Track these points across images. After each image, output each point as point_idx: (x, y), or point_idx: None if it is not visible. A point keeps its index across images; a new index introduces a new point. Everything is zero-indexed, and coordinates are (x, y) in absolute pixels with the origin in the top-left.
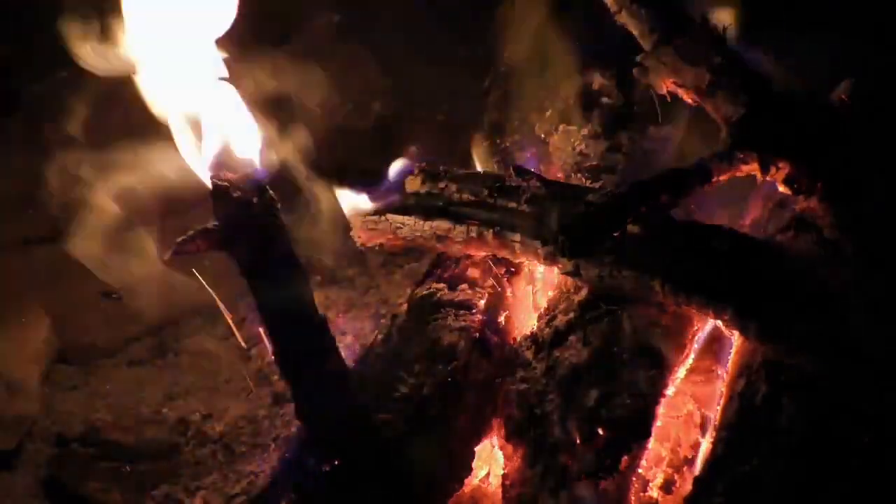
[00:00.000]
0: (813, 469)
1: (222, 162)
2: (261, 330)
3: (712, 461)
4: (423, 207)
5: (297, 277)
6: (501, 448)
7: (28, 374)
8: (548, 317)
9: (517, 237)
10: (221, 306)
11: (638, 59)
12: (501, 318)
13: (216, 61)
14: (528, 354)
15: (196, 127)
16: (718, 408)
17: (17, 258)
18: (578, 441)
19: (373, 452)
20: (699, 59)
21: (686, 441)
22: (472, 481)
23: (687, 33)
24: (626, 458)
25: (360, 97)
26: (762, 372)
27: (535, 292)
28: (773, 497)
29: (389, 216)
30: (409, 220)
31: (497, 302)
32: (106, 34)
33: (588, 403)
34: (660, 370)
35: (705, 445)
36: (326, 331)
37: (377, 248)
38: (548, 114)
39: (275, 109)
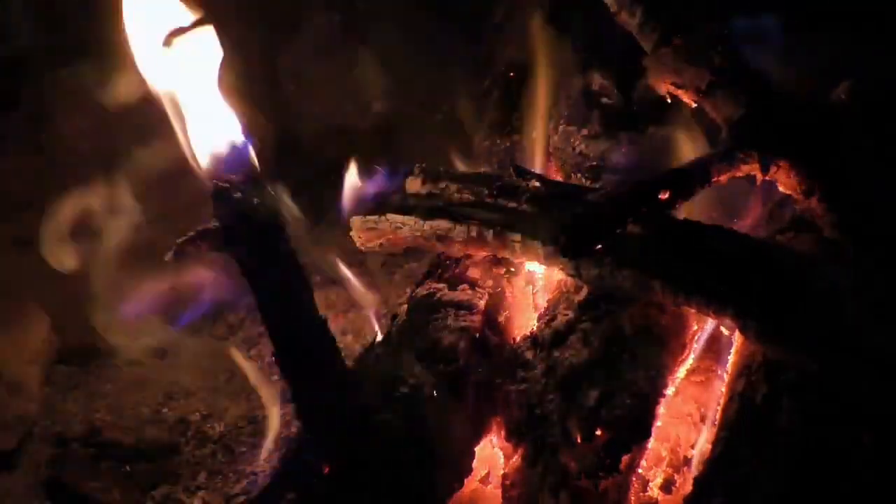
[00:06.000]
0: (813, 469)
1: (223, 161)
2: (261, 330)
3: (712, 461)
4: (423, 207)
5: (297, 278)
6: (501, 448)
7: (28, 375)
8: (548, 317)
9: (517, 237)
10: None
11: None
12: (501, 318)
13: (217, 61)
14: (528, 354)
15: (198, 125)
16: (718, 408)
17: (17, 258)
18: (578, 441)
19: (373, 452)
20: (699, 59)
21: (686, 441)
22: (473, 481)
23: (687, 34)
24: (626, 458)
25: (360, 97)
26: (762, 372)
27: (535, 292)
28: (773, 497)
29: (389, 216)
30: (409, 220)
31: (497, 302)
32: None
33: (588, 403)
34: (660, 370)
35: (705, 445)
36: (326, 331)
37: (377, 248)
38: (548, 114)
39: (275, 110)
